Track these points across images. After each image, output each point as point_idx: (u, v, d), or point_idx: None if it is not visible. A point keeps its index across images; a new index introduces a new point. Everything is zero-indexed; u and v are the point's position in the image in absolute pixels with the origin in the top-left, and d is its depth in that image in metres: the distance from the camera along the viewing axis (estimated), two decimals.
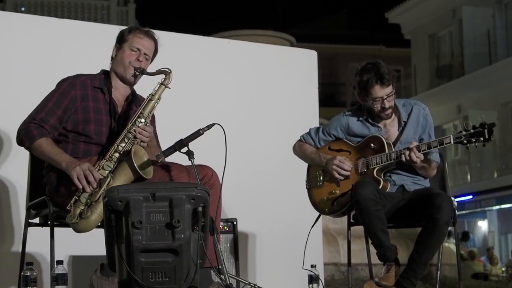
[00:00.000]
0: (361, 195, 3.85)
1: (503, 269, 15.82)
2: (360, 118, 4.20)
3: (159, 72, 3.66)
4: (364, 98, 4.10)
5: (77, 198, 3.45)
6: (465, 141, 3.86)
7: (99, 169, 3.48)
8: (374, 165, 4.05)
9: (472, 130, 3.86)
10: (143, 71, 3.70)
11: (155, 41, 3.83)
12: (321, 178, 4.25)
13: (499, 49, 19.43)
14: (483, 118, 3.91)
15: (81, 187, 3.41)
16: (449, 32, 21.56)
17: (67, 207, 3.45)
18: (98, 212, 3.37)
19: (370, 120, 4.16)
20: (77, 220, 3.41)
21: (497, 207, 20.69)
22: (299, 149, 4.38)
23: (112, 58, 3.80)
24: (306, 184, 4.36)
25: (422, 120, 4.17)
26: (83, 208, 3.42)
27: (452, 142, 3.89)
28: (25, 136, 3.56)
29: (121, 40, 3.78)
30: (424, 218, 3.86)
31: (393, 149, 4.04)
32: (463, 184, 20.19)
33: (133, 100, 3.83)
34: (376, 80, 4.00)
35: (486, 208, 21.07)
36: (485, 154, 19.43)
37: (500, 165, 19.58)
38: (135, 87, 3.84)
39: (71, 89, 3.65)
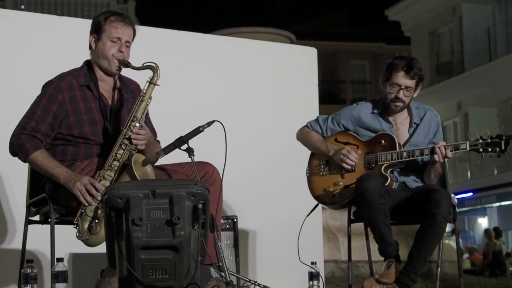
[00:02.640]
0: (366, 188, 3.84)
1: None
2: (374, 111, 4.20)
3: (145, 67, 3.55)
4: (384, 83, 4.14)
5: (82, 211, 3.41)
6: (480, 150, 3.91)
7: (100, 180, 3.43)
8: (383, 162, 4.05)
9: (489, 140, 3.90)
10: (128, 64, 3.58)
11: (133, 25, 3.68)
12: (325, 168, 4.23)
13: (499, 46, 19.42)
14: (502, 129, 3.96)
15: (86, 203, 3.38)
16: (449, 29, 21.54)
17: (74, 221, 3.42)
18: None
19: (384, 115, 4.17)
20: (87, 237, 3.39)
21: (497, 204, 20.70)
22: (305, 136, 4.34)
23: (91, 49, 3.67)
24: (307, 173, 4.33)
25: (433, 126, 4.21)
26: (90, 222, 3.39)
27: (467, 148, 3.94)
28: (18, 149, 3.51)
29: (97, 30, 3.63)
30: (422, 214, 3.87)
31: (402, 149, 4.05)
32: (463, 181, 20.20)
33: (122, 86, 3.72)
34: (403, 67, 4.07)
35: (487, 205, 21.08)
36: None
37: (500, 162, 19.55)
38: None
39: (58, 93, 3.55)
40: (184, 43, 5.48)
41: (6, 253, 4.51)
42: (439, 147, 3.91)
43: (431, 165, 4.03)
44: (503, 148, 3.88)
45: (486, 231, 15.50)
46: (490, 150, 3.89)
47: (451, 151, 3.93)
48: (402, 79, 4.07)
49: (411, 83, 4.09)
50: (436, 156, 3.91)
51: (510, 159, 19.22)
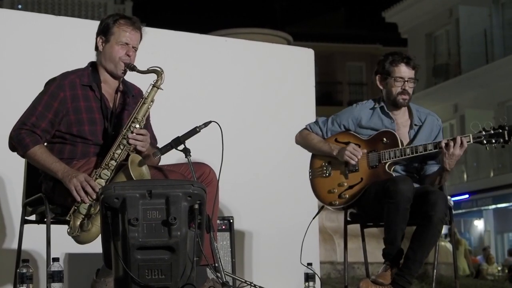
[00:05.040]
0: (400, 190, 3.79)
1: (499, 268, 15.87)
2: (375, 106, 4.20)
3: (150, 71, 3.57)
4: (385, 81, 4.14)
5: (76, 208, 3.40)
6: (484, 141, 3.91)
7: (96, 178, 3.43)
8: (387, 159, 4.04)
9: (492, 131, 3.90)
10: (133, 68, 3.59)
11: (141, 29, 3.70)
12: (328, 169, 4.22)
13: (496, 48, 19.46)
14: (505, 120, 3.96)
15: (80, 200, 3.38)
16: (445, 31, 21.58)
17: (67, 218, 3.41)
18: (98, 223, 3.27)
19: (385, 109, 4.17)
20: (78, 233, 3.38)
21: (494, 206, 20.72)
22: (305, 138, 4.32)
23: (97, 50, 3.69)
24: (310, 175, 4.30)
25: (435, 131, 4.21)
26: (83, 219, 3.39)
27: (471, 141, 3.93)
28: (17, 144, 3.51)
29: (105, 31, 3.64)
30: (419, 215, 3.86)
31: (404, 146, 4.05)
32: (459, 183, 20.21)
33: (125, 89, 3.74)
34: (403, 59, 4.10)
35: (483, 208, 21.10)
36: (481, 154, 19.45)
37: (496, 165, 19.60)
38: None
39: (60, 91, 3.56)
40: (181, 44, 5.48)
41: (2, 252, 4.51)
42: (447, 140, 3.90)
43: (441, 172, 4.01)
44: (506, 138, 3.88)
45: None
46: (494, 141, 3.89)
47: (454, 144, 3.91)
48: (405, 71, 4.11)
49: (412, 73, 4.13)
50: (452, 144, 3.87)
51: (506, 161, 19.27)
